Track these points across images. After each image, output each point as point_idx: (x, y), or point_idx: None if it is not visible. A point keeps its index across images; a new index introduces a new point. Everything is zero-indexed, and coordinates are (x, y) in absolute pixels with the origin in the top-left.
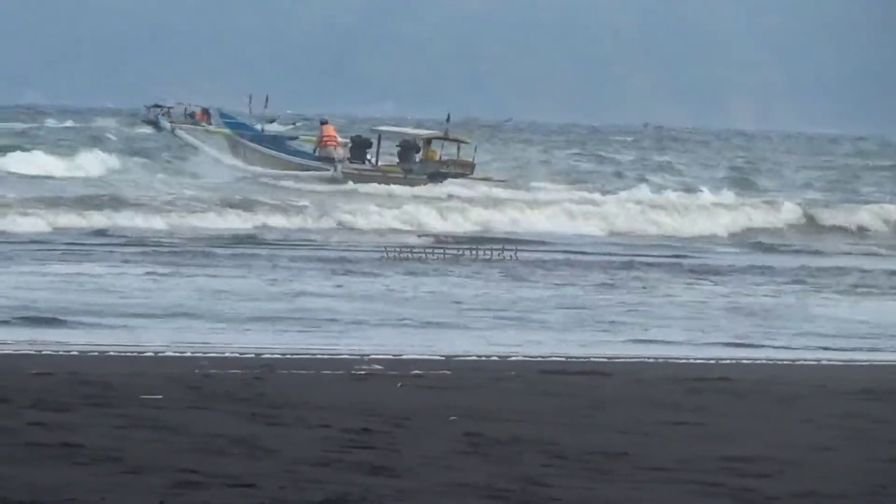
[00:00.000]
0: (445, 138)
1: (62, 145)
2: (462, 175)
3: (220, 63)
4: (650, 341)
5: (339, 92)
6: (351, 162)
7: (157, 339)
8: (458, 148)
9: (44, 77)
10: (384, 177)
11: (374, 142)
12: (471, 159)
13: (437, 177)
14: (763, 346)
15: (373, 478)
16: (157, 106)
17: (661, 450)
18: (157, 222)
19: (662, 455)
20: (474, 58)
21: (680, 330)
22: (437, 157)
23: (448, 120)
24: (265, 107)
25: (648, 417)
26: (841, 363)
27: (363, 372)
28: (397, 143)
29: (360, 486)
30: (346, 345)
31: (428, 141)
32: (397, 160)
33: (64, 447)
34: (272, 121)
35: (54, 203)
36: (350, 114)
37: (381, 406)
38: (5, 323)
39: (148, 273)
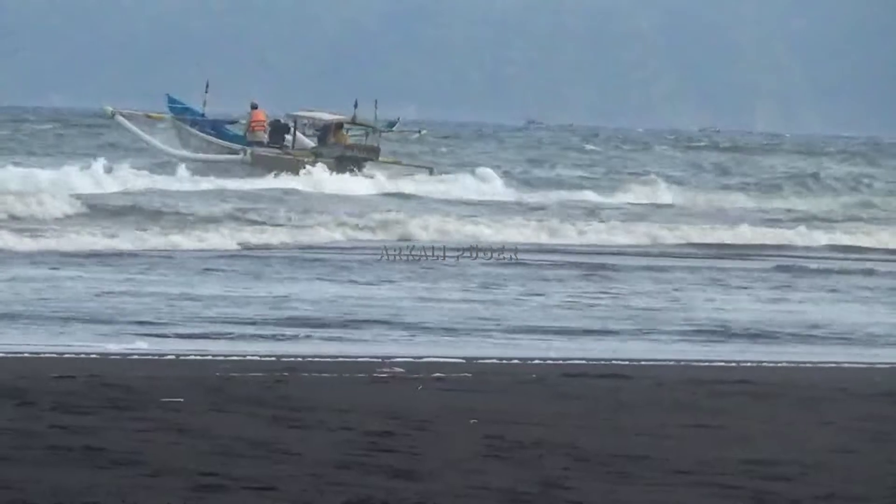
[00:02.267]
0: (353, 123)
1: None
2: (368, 159)
3: (243, 66)
4: None
5: (363, 95)
6: (269, 146)
7: (180, 341)
8: (367, 133)
9: (67, 80)
10: (294, 161)
11: (292, 127)
12: (376, 144)
13: (344, 160)
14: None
15: (394, 481)
16: (288, 115)
17: (682, 452)
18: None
19: (683, 458)
20: (498, 62)
21: None
22: (346, 141)
23: (356, 106)
24: (375, 110)
25: (669, 420)
26: (862, 365)
27: (384, 375)
28: (316, 129)
29: (381, 490)
30: (368, 348)
31: (339, 126)
32: (316, 143)
33: (85, 450)
34: (393, 124)
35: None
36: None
37: (403, 409)
38: None
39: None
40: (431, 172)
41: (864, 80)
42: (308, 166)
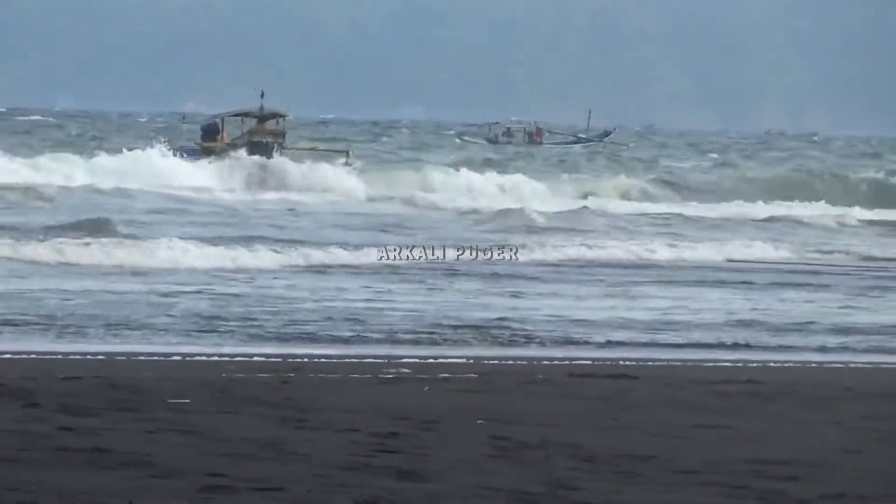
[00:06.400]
0: (260, 115)
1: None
2: (277, 143)
3: (250, 68)
4: None
5: (369, 96)
6: (205, 143)
7: (188, 342)
8: (277, 121)
9: (75, 82)
10: (228, 146)
11: (220, 125)
12: (282, 129)
13: (257, 146)
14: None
15: (401, 482)
16: (496, 123)
17: (689, 452)
18: None
19: (690, 458)
20: (503, 62)
21: None
22: (265, 130)
23: (262, 96)
24: (588, 121)
25: (676, 420)
26: (869, 365)
27: (391, 375)
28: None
29: (387, 490)
30: (374, 348)
31: (261, 119)
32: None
33: (92, 452)
34: (608, 134)
35: None
36: (387, 118)
37: (409, 410)
38: None
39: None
40: (348, 156)
41: (870, 80)
42: (232, 153)
